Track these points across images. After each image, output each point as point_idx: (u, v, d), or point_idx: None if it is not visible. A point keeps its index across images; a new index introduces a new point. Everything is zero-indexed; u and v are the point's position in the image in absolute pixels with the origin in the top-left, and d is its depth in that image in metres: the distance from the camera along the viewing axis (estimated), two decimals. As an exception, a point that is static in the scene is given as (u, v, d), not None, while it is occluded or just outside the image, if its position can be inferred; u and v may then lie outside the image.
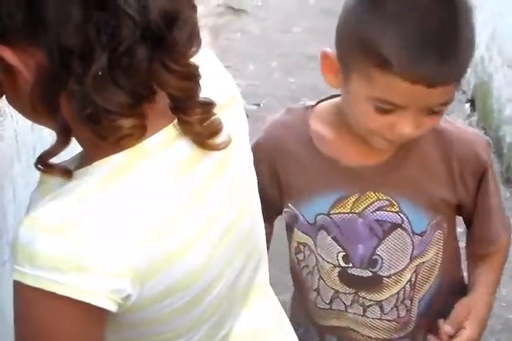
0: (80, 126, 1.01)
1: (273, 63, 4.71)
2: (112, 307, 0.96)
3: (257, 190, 1.23)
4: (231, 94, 1.15)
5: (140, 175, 1.01)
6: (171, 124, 1.06)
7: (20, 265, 0.96)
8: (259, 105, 4.18)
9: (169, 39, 0.98)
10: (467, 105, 4.21)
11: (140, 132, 1.00)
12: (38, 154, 1.09)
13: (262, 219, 1.24)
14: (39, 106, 1.01)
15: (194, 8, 1.03)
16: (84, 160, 1.06)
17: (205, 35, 1.10)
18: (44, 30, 0.96)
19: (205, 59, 1.07)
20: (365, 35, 1.32)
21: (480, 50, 3.86)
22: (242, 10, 5.47)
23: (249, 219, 1.17)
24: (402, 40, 1.29)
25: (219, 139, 1.06)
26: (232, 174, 1.12)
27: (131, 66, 0.96)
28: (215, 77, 1.14)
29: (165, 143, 1.04)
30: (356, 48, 1.34)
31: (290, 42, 5.00)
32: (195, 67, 1.02)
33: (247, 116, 1.24)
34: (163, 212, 1.02)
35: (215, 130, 1.06)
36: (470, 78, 4.19)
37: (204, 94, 1.04)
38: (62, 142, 1.04)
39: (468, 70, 1.38)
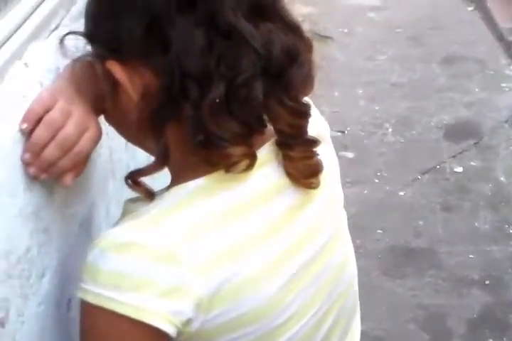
0: (181, 147, 1.02)
1: (358, 90, 4.69)
2: (169, 329, 0.95)
3: (347, 232, 1.21)
4: (315, 132, 1.12)
5: (215, 200, 1.01)
6: (264, 146, 1.06)
7: (84, 282, 0.97)
8: (343, 132, 4.17)
9: (288, 76, 0.99)
10: None
11: (250, 160, 1.01)
12: (131, 172, 1.11)
13: (355, 266, 1.22)
14: (145, 127, 1.02)
15: (311, 49, 1.04)
16: (170, 184, 1.08)
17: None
18: (163, 52, 0.96)
19: None
20: None
21: None
22: (328, 37, 5.48)
23: (337, 259, 1.15)
24: None
25: (313, 179, 1.06)
26: (316, 210, 1.10)
27: (247, 97, 0.97)
28: None
29: (252, 168, 1.03)
30: None
31: (375, 69, 4.97)
32: (308, 106, 1.03)
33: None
34: (235, 237, 1.00)
35: (316, 170, 1.06)
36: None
37: None
38: (159, 164, 1.05)
39: None
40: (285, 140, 1.04)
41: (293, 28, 1.02)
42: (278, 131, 1.04)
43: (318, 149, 1.07)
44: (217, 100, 0.95)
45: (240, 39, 0.96)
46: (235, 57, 0.96)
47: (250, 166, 1.01)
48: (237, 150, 0.99)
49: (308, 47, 1.04)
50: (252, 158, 1.01)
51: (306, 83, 1.03)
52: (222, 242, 0.99)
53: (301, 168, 1.05)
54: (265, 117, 1.02)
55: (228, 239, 0.99)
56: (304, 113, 1.03)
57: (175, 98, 0.97)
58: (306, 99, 1.05)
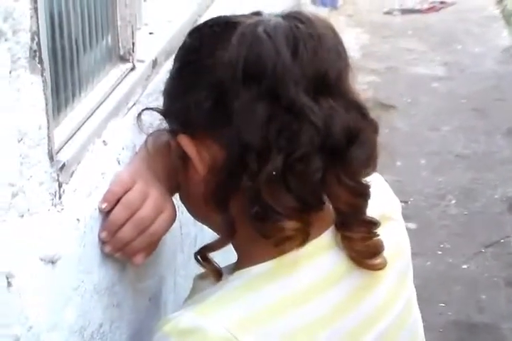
0: (245, 225, 1.03)
1: (421, 161, 4.68)
2: None
3: (417, 307, 1.20)
4: (380, 212, 1.11)
5: (278, 285, 1.01)
6: (326, 232, 1.06)
7: None
8: (406, 202, 4.15)
9: (348, 154, 0.99)
10: None
11: (302, 237, 1.01)
12: (198, 246, 1.13)
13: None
14: (211, 201, 1.04)
15: (376, 130, 1.04)
16: (235, 265, 1.09)
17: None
18: (227, 123, 0.98)
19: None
20: None
21: None
22: (390, 106, 5.49)
23: (406, 335, 1.14)
24: None
25: (377, 260, 1.06)
26: (384, 291, 1.11)
27: (304, 173, 0.98)
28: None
29: (315, 252, 1.03)
30: None
31: (439, 140, 4.96)
32: (368, 186, 1.03)
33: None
34: (298, 321, 1.00)
35: (376, 251, 1.06)
36: None
37: None
38: (226, 238, 1.07)
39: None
40: (343, 219, 1.04)
41: (356, 107, 1.02)
42: (336, 210, 1.04)
43: (382, 229, 1.07)
44: (274, 172, 0.96)
45: (301, 114, 0.97)
46: (294, 131, 0.97)
47: (303, 243, 1.01)
48: (290, 225, 0.99)
49: (373, 128, 1.04)
50: (305, 234, 1.01)
51: (368, 163, 1.03)
52: (285, 327, 0.99)
53: (360, 248, 1.05)
54: (325, 196, 1.02)
55: (291, 323, 0.99)
56: (362, 193, 1.03)
57: (235, 169, 0.99)
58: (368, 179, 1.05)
